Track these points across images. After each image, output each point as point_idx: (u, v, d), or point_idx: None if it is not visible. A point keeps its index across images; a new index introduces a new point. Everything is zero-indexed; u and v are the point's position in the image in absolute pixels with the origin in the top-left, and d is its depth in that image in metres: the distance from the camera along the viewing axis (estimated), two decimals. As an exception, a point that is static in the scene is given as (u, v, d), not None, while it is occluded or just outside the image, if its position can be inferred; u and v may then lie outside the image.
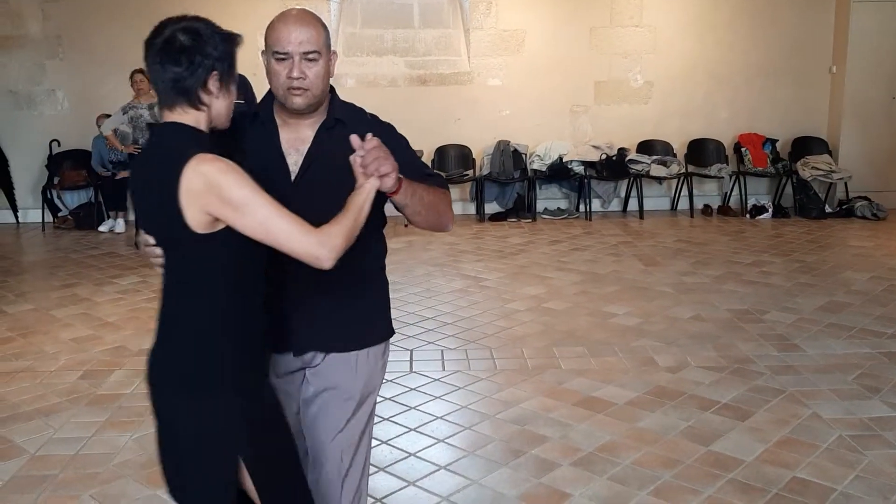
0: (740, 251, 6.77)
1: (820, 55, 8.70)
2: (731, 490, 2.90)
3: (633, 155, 8.47)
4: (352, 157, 1.78)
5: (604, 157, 8.35)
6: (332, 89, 2.01)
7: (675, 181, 8.65)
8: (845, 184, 8.38)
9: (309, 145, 1.97)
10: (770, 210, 8.33)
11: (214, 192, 1.61)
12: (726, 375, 3.98)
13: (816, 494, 2.86)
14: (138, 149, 7.11)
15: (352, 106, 2.07)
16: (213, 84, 1.73)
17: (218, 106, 1.76)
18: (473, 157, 8.49)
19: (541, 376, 4.02)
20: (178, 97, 1.71)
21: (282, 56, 1.88)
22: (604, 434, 3.37)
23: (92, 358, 4.41)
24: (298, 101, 1.90)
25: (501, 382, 3.96)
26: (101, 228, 8.05)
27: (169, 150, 1.70)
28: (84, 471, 3.14)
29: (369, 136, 1.79)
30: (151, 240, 1.79)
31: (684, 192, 8.63)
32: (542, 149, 8.40)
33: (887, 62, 8.48)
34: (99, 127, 7.77)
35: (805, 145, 8.62)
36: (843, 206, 8.28)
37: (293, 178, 1.95)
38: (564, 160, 8.30)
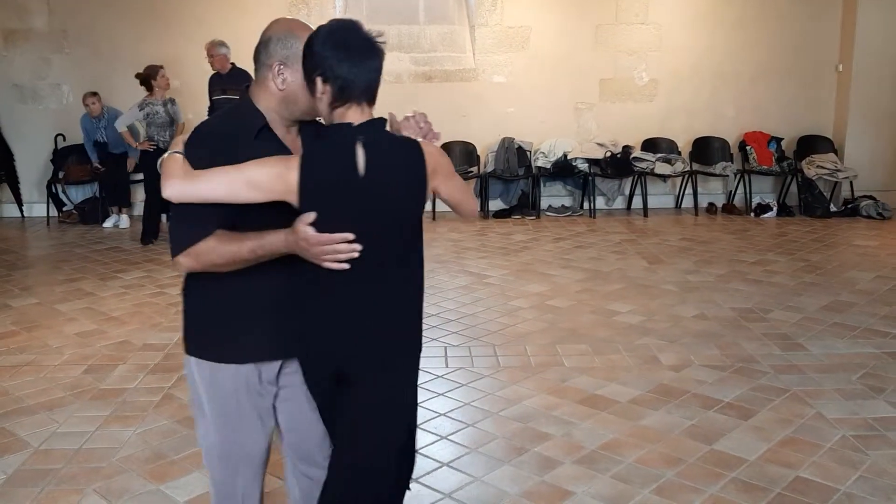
0: (745, 250, 6.76)
1: (826, 54, 8.68)
2: (733, 489, 2.90)
3: (637, 153, 8.45)
4: (405, 129, 2.01)
5: (608, 154, 8.33)
6: None
7: (679, 179, 8.63)
8: (851, 183, 8.36)
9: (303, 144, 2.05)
10: (775, 209, 8.32)
11: (439, 168, 1.92)
12: (730, 374, 3.97)
13: (819, 494, 2.86)
14: (153, 145, 7.11)
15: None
16: None
17: None
18: (478, 154, 8.48)
19: (544, 374, 4.02)
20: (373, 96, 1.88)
21: None
22: (607, 432, 3.37)
23: (96, 352, 4.42)
24: None
25: (504, 380, 3.96)
26: (106, 224, 8.07)
27: (395, 140, 1.92)
28: (88, 465, 3.15)
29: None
30: (349, 236, 1.80)
31: (689, 190, 8.62)
32: (547, 146, 8.39)
33: (892, 61, 8.45)
34: (87, 107, 7.77)
35: (810, 144, 8.60)
36: (849, 206, 8.26)
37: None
38: (569, 157, 8.29)
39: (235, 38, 7.95)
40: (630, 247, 6.94)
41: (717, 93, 8.68)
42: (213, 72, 7.38)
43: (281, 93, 1.91)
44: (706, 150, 8.62)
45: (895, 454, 3.15)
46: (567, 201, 8.71)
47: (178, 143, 1.93)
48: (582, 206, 8.60)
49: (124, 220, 8.09)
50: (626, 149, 8.41)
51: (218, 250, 1.83)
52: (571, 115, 8.66)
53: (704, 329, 4.67)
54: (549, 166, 8.31)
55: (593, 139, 8.54)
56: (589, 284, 5.68)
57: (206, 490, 2.92)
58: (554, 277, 5.89)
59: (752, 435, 3.33)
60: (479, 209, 1.64)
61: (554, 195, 8.71)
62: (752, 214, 8.33)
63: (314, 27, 1.87)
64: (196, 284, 2.02)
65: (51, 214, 8.33)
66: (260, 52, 1.94)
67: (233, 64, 7.30)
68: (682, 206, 8.78)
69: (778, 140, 8.58)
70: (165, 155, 1.90)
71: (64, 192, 8.44)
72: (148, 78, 7.11)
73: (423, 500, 2.88)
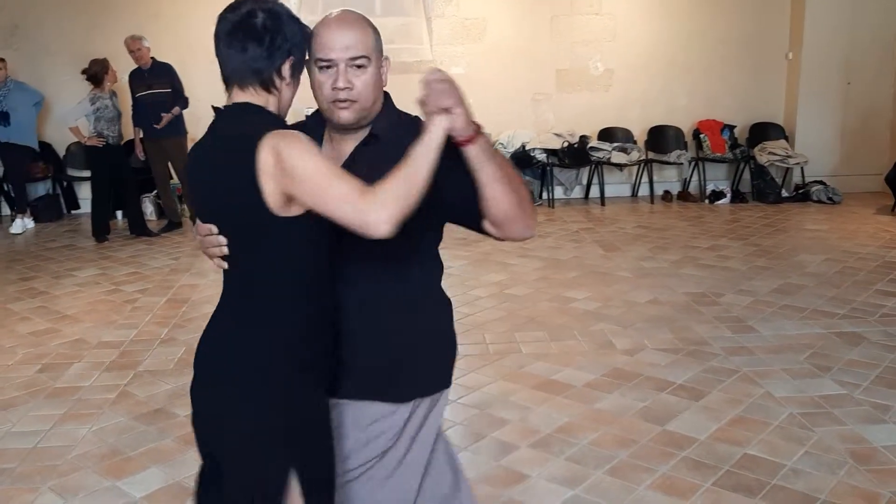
0: (698, 236, 6.88)
1: (776, 42, 8.85)
2: (683, 467, 2.98)
3: (594, 142, 8.55)
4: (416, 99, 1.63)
5: (566, 144, 8.41)
6: (388, 99, 1.79)
7: (635, 168, 8.75)
8: (801, 169, 8.55)
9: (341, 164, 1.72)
10: (728, 195, 8.47)
11: (282, 164, 1.51)
12: (682, 357, 4.06)
13: (766, 470, 2.95)
14: (102, 141, 7.00)
15: (405, 117, 1.79)
16: (286, 70, 1.66)
17: (286, 94, 1.69)
18: (436, 145, 8.48)
19: (502, 361, 4.07)
20: (252, 77, 1.63)
21: (325, 64, 1.67)
22: (562, 416, 3.43)
23: (50, 351, 4.36)
24: (345, 115, 1.68)
25: (463, 367, 3.99)
26: (14, 230, 7.60)
27: (243, 127, 1.60)
28: (43, 463, 3.12)
29: (434, 68, 1.61)
30: (214, 228, 1.63)
31: (645, 178, 8.74)
32: (505, 137, 8.44)
33: (841, 48, 8.65)
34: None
35: (762, 131, 8.77)
36: (800, 191, 8.45)
37: None
38: (527, 148, 8.35)
39: (196, 31, 7.87)
40: (587, 235, 7.02)
41: (671, 82, 8.81)
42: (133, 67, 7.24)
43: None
44: (661, 138, 8.74)
45: (840, 430, 3.26)
46: (526, 191, 8.77)
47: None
48: (541, 196, 8.66)
49: (29, 222, 7.77)
50: (583, 139, 8.50)
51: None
52: (529, 105, 8.72)
53: (658, 314, 4.76)
54: (507, 157, 8.35)
55: (551, 129, 8.60)
56: (546, 273, 5.74)
57: (163, 485, 2.93)
58: (512, 266, 5.94)
59: (703, 415, 3.41)
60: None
61: (513, 185, 8.75)
62: (707, 201, 8.48)
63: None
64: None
65: (3, 213, 8.17)
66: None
67: (153, 58, 7.19)
68: (639, 194, 8.90)
69: (731, 128, 8.73)
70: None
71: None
72: (99, 73, 6.99)
73: (382, 487, 2.90)
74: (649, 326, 4.53)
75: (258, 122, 1.59)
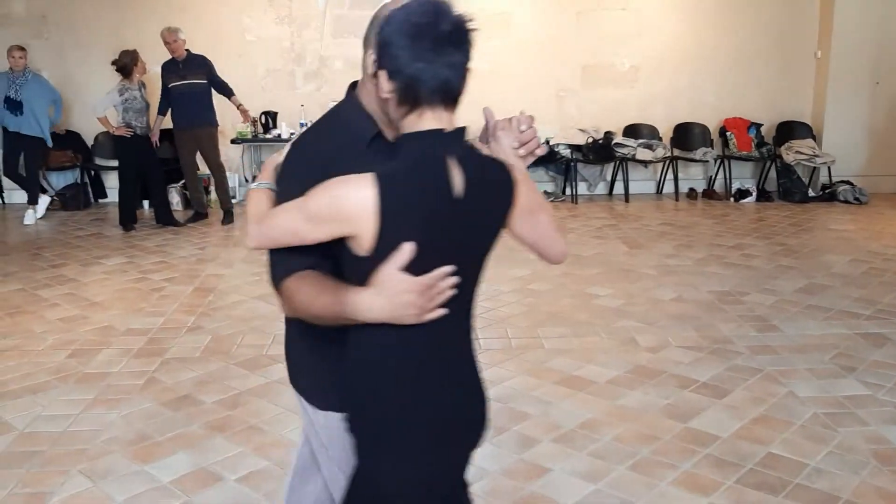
0: (723, 234, 6.85)
1: (805, 40, 8.76)
2: (706, 465, 2.98)
3: (619, 139, 8.52)
4: (500, 129, 1.60)
5: (590, 140, 8.40)
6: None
7: (660, 165, 8.71)
8: (829, 168, 8.47)
9: None
10: (754, 194, 8.42)
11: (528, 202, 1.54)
12: (706, 355, 4.06)
13: (789, 469, 2.94)
14: (130, 131, 7.08)
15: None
16: None
17: None
18: (460, 139, 8.50)
19: (524, 356, 4.08)
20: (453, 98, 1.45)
21: None
22: (585, 411, 3.44)
23: (79, 337, 4.44)
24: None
25: (486, 361, 4.02)
26: (26, 221, 7.64)
27: (483, 158, 1.50)
28: (72, 447, 3.18)
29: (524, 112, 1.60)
30: (448, 268, 1.42)
31: (670, 175, 8.70)
32: (529, 132, 8.42)
33: (870, 48, 8.55)
34: (11, 59, 7.50)
35: (789, 130, 8.70)
36: (826, 190, 8.38)
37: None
38: (551, 144, 8.34)
39: (217, 23, 7.94)
40: (611, 231, 7.01)
41: (697, 79, 8.75)
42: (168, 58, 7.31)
43: (374, 89, 1.50)
44: (687, 135, 8.69)
45: (864, 431, 3.24)
46: (549, 187, 8.77)
47: (268, 168, 1.60)
48: (564, 192, 8.66)
49: (41, 209, 7.80)
50: (608, 135, 8.47)
51: (298, 295, 1.46)
52: (553, 101, 8.70)
53: (682, 312, 4.75)
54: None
55: (575, 125, 8.59)
56: (569, 269, 5.74)
57: (190, 470, 2.98)
58: (535, 262, 5.88)
59: (726, 413, 3.41)
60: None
61: (536, 181, 8.66)
62: (732, 199, 8.43)
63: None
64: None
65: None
66: (365, 39, 1.53)
67: (188, 50, 7.25)
68: (664, 191, 8.86)
69: (757, 126, 8.67)
70: (252, 186, 1.59)
71: (45, 178, 8.39)
72: (128, 64, 7.06)
73: (405, 478, 2.93)
74: (673, 324, 4.53)
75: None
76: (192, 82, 7.19)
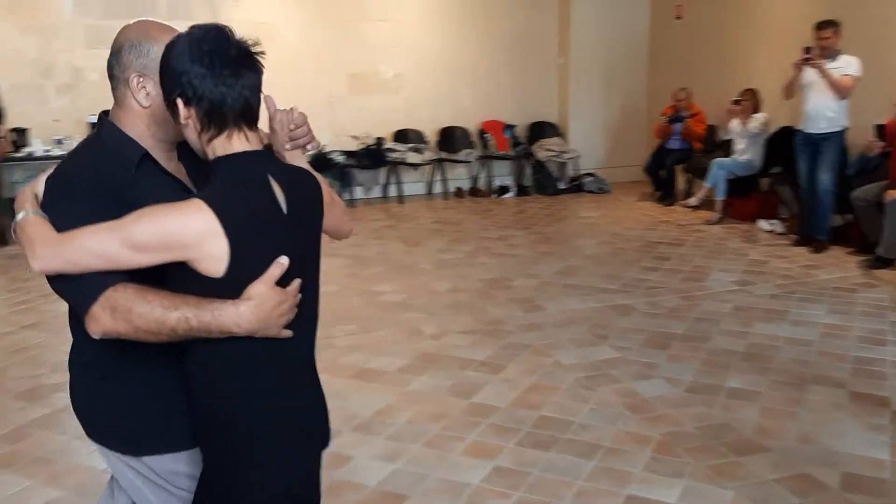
0: (489, 228, 7.44)
1: (548, 48, 9.70)
2: (489, 433, 3.34)
3: (389, 144, 8.90)
4: (277, 122, 1.69)
5: (363, 146, 8.69)
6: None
7: (429, 167, 9.21)
8: (575, 162, 9.43)
9: (185, 171, 1.70)
10: (513, 190, 9.19)
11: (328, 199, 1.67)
12: (481, 337, 4.47)
13: (559, 427, 3.38)
14: None
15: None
16: None
17: None
18: (232, 150, 8.44)
19: (318, 355, 4.22)
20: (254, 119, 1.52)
21: None
22: (379, 400, 3.69)
23: None
24: None
25: (280, 366, 4.13)
26: None
27: (293, 171, 1.60)
28: None
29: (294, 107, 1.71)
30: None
31: (438, 176, 9.23)
32: (302, 140, 8.55)
33: (604, 54, 9.65)
34: None
35: (540, 129, 9.58)
36: (574, 183, 9.34)
37: None
38: (325, 151, 8.52)
39: None
40: (389, 232, 7.35)
41: (456, 85, 9.37)
42: None
43: (147, 110, 1.58)
44: (450, 139, 9.27)
45: (617, 388, 3.78)
46: (325, 193, 8.94)
47: (29, 197, 1.53)
48: (341, 197, 8.86)
49: None
50: (379, 140, 8.82)
51: (138, 309, 1.40)
52: (325, 109, 8.89)
53: (458, 300, 5.16)
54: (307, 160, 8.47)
55: (348, 132, 8.85)
56: (354, 269, 5.98)
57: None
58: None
59: (503, 386, 3.81)
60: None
61: (312, 188, 8.90)
62: (495, 196, 9.13)
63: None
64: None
65: None
66: (112, 66, 1.59)
67: None
68: (434, 191, 9.38)
69: (511, 127, 9.46)
70: (18, 217, 1.49)
71: None
72: None
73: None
74: (451, 312, 4.91)
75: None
76: None
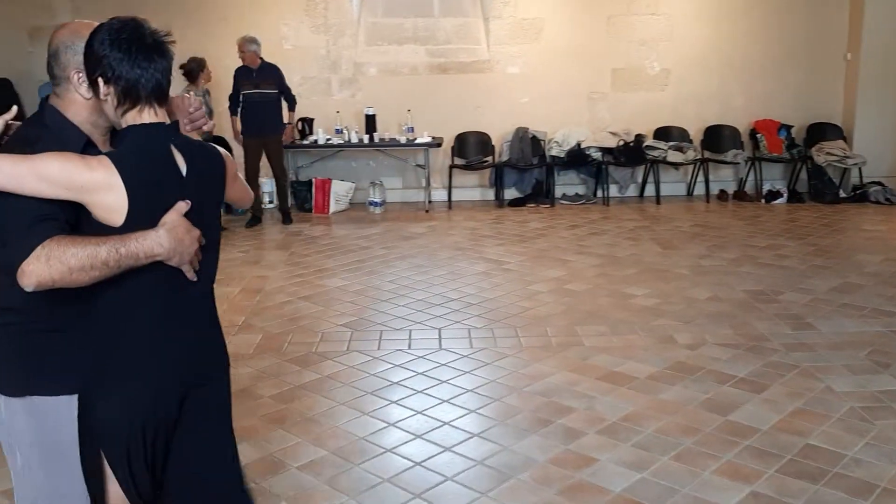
0: (755, 235, 6.93)
1: (835, 42, 8.81)
2: (747, 455, 3.10)
3: (650, 141, 8.62)
4: (175, 106, 1.93)
5: (621, 143, 8.51)
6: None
7: (691, 167, 8.80)
8: (859, 169, 8.50)
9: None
10: (785, 195, 8.48)
11: (232, 174, 1.98)
12: (742, 352, 4.16)
13: (828, 459, 3.05)
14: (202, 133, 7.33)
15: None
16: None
17: None
18: (493, 143, 8.67)
19: (565, 353, 4.22)
20: (163, 96, 1.81)
21: None
22: (627, 405, 3.57)
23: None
24: None
25: (527, 358, 4.16)
26: None
27: (196, 144, 1.87)
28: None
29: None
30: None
31: (700, 177, 8.79)
32: (561, 135, 8.57)
33: (902, 49, 8.59)
34: None
35: (820, 131, 8.74)
36: (857, 191, 8.42)
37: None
38: (582, 146, 8.46)
39: (257, 33, 8.15)
40: (644, 233, 7.12)
41: (727, 81, 8.83)
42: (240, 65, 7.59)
43: (90, 101, 1.81)
44: (717, 138, 8.77)
45: (900, 424, 3.34)
46: (581, 189, 8.89)
47: None
48: (595, 195, 8.77)
49: None
50: (639, 137, 8.58)
51: (72, 249, 1.59)
52: (585, 104, 8.83)
53: (718, 310, 4.86)
54: (562, 155, 8.48)
55: (606, 128, 8.71)
56: (604, 269, 5.87)
57: (255, 458, 3.15)
58: (570, 263, 6.08)
59: (765, 407, 3.52)
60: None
61: (568, 183, 8.89)
62: (763, 201, 8.49)
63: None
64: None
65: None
66: (52, 65, 1.83)
67: (261, 59, 7.52)
68: (694, 193, 8.94)
69: (788, 127, 8.73)
70: None
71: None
72: (195, 69, 7.36)
73: (457, 467, 3.08)
74: (709, 322, 4.64)
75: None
76: (264, 91, 7.48)
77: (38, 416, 1.88)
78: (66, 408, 1.84)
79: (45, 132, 1.81)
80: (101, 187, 1.64)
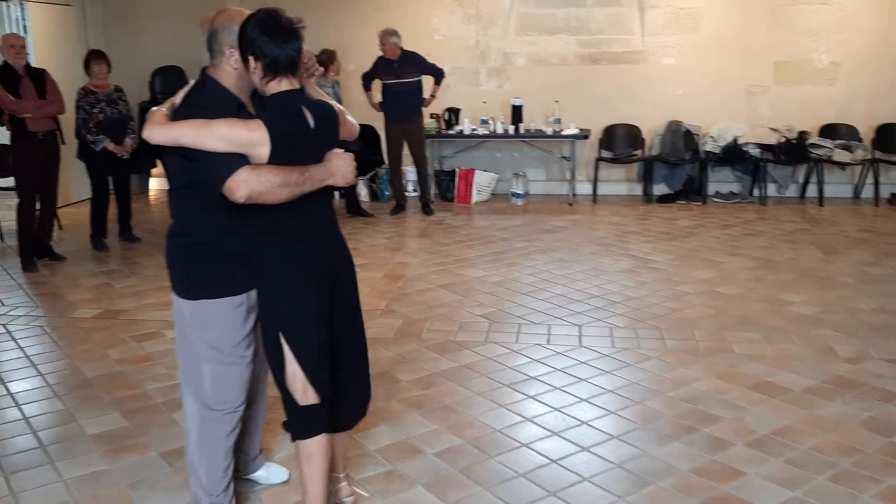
0: (932, 243, 6.35)
1: None
2: (916, 483, 2.84)
3: (814, 139, 8.08)
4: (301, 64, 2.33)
5: (782, 140, 8.02)
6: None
7: (859, 167, 8.18)
8: None
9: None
10: (968, 201, 7.73)
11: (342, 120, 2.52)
12: (913, 369, 3.83)
13: None
14: None
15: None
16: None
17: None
18: (643, 136, 8.41)
19: (713, 359, 4.02)
20: (296, 69, 2.32)
21: None
22: (779, 418, 3.36)
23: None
24: None
25: (672, 362, 4.00)
26: None
27: (317, 103, 2.40)
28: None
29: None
30: None
31: (870, 179, 8.15)
32: (716, 130, 8.19)
33: None
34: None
35: None
36: None
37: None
38: (739, 142, 8.05)
39: (409, 23, 8.29)
40: (803, 236, 6.69)
41: (906, 76, 8.13)
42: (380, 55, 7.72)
43: (236, 71, 2.31)
44: (890, 137, 8.10)
45: None
46: (735, 188, 8.46)
47: (167, 103, 2.34)
48: (751, 193, 8.33)
49: None
50: (802, 134, 8.05)
51: (273, 171, 2.16)
52: (743, 98, 8.39)
53: (884, 322, 4.49)
54: (717, 151, 8.11)
55: (766, 124, 8.24)
56: (759, 273, 5.56)
57: (392, 441, 3.20)
58: (722, 264, 5.80)
59: (938, 432, 3.21)
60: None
61: (721, 181, 8.48)
62: (942, 207, 7.79)
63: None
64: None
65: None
66: (211, 42, 2.33)
67: (402, 49, 7.63)
68: (862, 195, 8.31)
69: (973, 127, 7.94)
70: (154, 108, 2.33)
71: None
72: (326, 61, 7.57)
73: (594, 468, 3.00)
74: (876, 335, 4.29)
75: None
76: (406, 81, 7.61)
77: (205, 315, 2.41)
78: (227, 308, 2.41)
79: (206, 98, 2.31)
80: (258, 143, 2.17)
